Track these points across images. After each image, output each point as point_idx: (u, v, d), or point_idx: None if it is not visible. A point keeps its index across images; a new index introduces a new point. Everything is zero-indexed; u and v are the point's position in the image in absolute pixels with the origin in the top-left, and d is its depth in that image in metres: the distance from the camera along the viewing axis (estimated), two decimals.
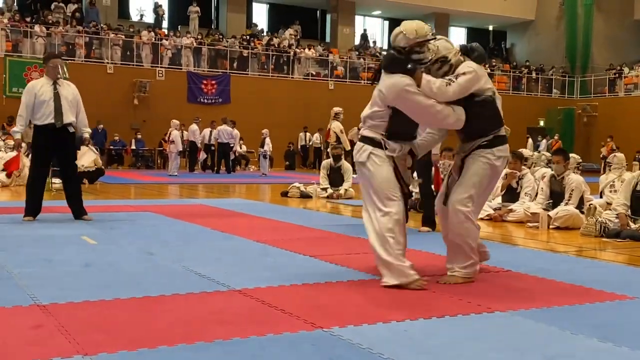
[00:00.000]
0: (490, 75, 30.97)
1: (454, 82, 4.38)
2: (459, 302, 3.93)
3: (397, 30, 4.48)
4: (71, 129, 7.42)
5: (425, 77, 4.36)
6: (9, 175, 12.76)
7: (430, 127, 4.78)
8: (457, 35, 35.25)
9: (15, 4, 24.60)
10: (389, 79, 4.40)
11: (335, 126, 13.45)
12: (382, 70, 4.51)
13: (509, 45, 35.83)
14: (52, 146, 7.33)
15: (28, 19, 23.19)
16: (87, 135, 7.87)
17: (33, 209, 7.39)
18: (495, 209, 8.72)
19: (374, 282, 4.44)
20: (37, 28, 22.39)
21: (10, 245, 5.62)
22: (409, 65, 4.38)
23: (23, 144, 8.15)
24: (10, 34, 22.28)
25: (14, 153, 12.67)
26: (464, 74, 4.43)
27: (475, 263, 4.59)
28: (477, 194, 4.54)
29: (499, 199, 9.02)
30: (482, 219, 8.51)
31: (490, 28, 35.70)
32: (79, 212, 7.57)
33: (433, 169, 7.45)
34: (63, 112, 7.29)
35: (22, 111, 7.30)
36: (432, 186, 7.45)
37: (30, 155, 7.56)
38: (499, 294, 4.20)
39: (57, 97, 7.30)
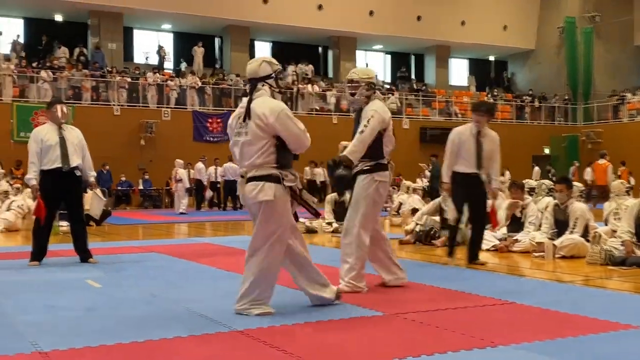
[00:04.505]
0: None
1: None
2: (462, 337, 3.90)
3: (257, 61, 4.68)
4: (78, 173, 7.49)
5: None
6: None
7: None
8: (459, 67, 35.49)
9: (22, 50, 24.97)
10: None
11: None
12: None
13: (510, 75, 35.99)
14: (59, 190, 7.38)
15: (34, 64, 23.52)
16: (92, 180, 7.91)
17: (38, 253, 7.42)
18: (500, 240, 8.69)
19: (378, 319, 4.43)
20: (43, 73, 22.69)
21: (13, 292, 5.63)
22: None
23: None
24: (17, 79, 22.57)
25: (30, 201, 12.67)
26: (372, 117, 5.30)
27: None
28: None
29: (504, 230, 8.99)
30: (488, 250, 8.50)
31: (492, 58, 35.93)
32: (84, 255, 7.59)
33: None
34: (69, 156, 7.37)
35: (33, 158, 7.36)
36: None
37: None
38: (503, 327, 4.17)
39: (62, 141, 7.38)
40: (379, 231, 5.80)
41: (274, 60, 4.73)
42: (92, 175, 7.82)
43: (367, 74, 5.63)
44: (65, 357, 3.54)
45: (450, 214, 7.63)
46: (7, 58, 23.84)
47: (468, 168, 7.16)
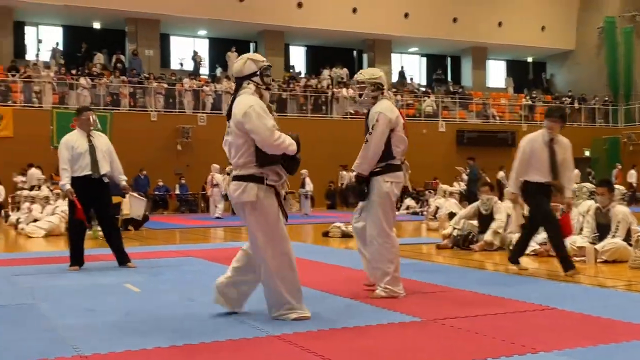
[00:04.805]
0: (532, 107, 30.71)
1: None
2: (502, 344, 3.84)
3: (242, 60, 4.69)
4: (106, 180, 7.62)
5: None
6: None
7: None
8: (497, 68, 35.10)
9: (61, 57, 25.46)
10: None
11: None
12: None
13: (549, 76, 35.49)
14: (88, 197, 7.51)
15: (73, 72, 23.96)
16: (124, 183, 8.01)
17: (77, 258, 7.53)
18: (540, 244, 8.54)
19: (415, 325, 4.38)
20: (82, 80, 23.10)
21: (54, 296, 5.72)
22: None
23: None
24: (57, 86, 23.02)
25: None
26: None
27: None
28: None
29: (544, 234, 8.83)
30: (527, 254, 8.37)
31: (530, 60, 35.47)
32: (122, 259, 7.69)
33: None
34: (99, 163, 7.51)
35: (65, 164, 7.49)
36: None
37: (68, 206, 7.77)
38: (544, 333, 4.09)
39: (92, 149, 7.51)
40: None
41: (259, 58, 4.73)
42: (122, 179, 7.92)
43: (373, 74, 5.63)
44: None
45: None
46: (47, 66, 24.35)
47: (542, 177, 6.83)
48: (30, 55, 26.15)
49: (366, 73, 5.67)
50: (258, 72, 4.63)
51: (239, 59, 4.73)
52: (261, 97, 4.62)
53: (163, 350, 3.78)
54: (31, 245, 11.20)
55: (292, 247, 4.57)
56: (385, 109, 5.44)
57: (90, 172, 7.43)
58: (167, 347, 3.83)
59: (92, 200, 7.55)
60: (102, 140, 7.72)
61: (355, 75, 5.77)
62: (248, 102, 4.49)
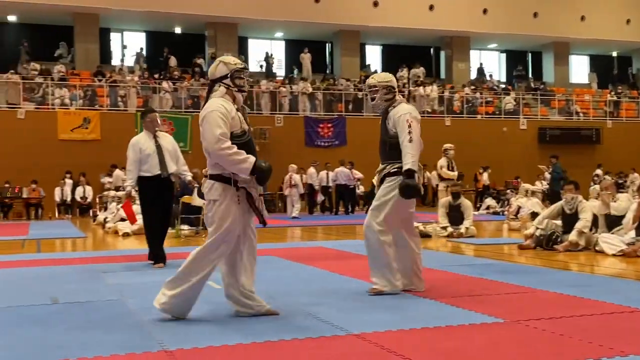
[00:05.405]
0: (617, 103, 29.57)
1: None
2: (588, 346, 3.71)
3: (215, 63, 4.79)
4: (173, 179, 7.94)
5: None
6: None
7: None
8: (579, 64, 33.96)
9: (144, 62, 26.30)
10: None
11: (439, 162, 13.32)
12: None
13: (635, 71, 34.05)
14: (156, 196, 7.77)
15: (156, 75, 24.72)
16: (189, 178, 8.36)
17: (159, 256, 7.77)
18: (628, 244, 8.22)
19: (498, 326, 4.29)
20: (164, 84, 23.80)
21: (140, 292, 5.90)
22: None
23: (134, 193, 8.77)
24: (141, 90, 23.80)
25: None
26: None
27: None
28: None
29: (632, 233, 8.50)
30: (614, 255, 8.07)
31: (614, 54, 34.16)
32: (158, 255, 7.89)
33: None
34: (167, 163, 7.78)
35: (131, 166, 7.82)
36: None
37: (140, 206, 8.11)
38: (632, 336, 3.93)
39: (159, 149, 7.77)
40: (411, 239, 5.74)
41: (231, 60, 4.77)
42: (188, 175, 8.27)
43: (384, 78, 5.77)
44: (190, 356, 3.67)
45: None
46: (131, 70, 25.23)
47: None
48: (115, 61, 27.15)
49: (378, 77, 5.83)
50: (229, 75, 4.70)
51: (214, 62, 4.85)
52: (234, 99, 4.73)
53: (245, 346, 3.84)
54: (119, 244, 11.61)
55: (225, 255, 4.64)
56: (411, 109, 5.62)
57: (159, 172, 7.71)
58: (249, 343, 3.89)
59: (158, 199, 7.80)
60: (167, 140, 7.99)
61: (367, 80, 5.91)
62: (210, 107, 4.60)
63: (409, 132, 5.43)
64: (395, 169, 5.52)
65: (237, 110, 4.71)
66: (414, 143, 5.43)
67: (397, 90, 5.74)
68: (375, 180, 5.89)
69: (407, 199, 5.48)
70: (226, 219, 4.54)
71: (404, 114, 5.51)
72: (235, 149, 4.51)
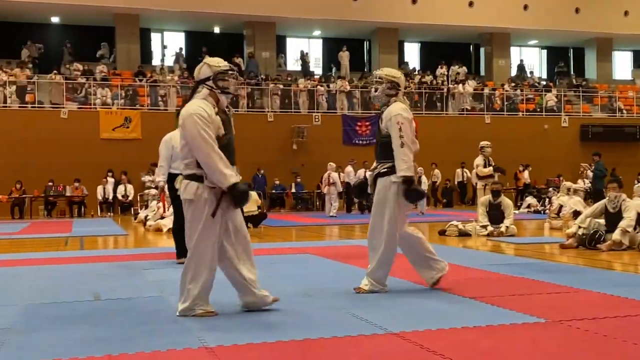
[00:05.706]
0: None
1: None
2: (634, 348, 3.63)
3: (200, 64, 4.85)
4: None
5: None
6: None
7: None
8: (623, 60, 33.24)
9: (184, 61, 26.58)
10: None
11: (475, 161, 13.16)
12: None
13: None
14: None
15: None
16: None
17: (182, 252, 7.86)
18: None
19: (540, 326, 4.22)
20: None
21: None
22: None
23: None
24: (181, 89, 24.06)
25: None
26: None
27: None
28: None
29: None
30: None
31: None
32: (181, 251, 7.92)
33: None
34: None
35: (163, 162, 7.98)
36: None
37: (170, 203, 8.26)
38: None
39: None
40: (410, 232, 5.72)
41: (216, 62, 4.81)
42: None
43: (392, 74, 5.72)
44: (230, 352, 3.69)
45: None
46: (171, 70, 25.53)
47: None
48: (155, 61, 27.50)
49: (386, 70, 5.77)
50: (211, 77, 4.75)
51: (201, 63, 4.89)
52: (217, 101, 4.78)
53: (284, 343, 3.85)
54: (159, 241, 11.77)
55: (215, 248, 4.63)
56: (402, 110, 5.52)
57: None
58: (288, 340, 3.90)
59: None
60: None
61: (375, 71, 5.86)
62: (190, 108, 4.66)
63: (400, 137, 5.39)
64: (386, 169, 5.53)
65: (223, 111, 4.80)
66: (406, 147, 5.39)
67: (401, 89, 5.67)
68: (368, 177, 5.86)
69: (412, 202, 5.55)
70: (200, 218, 4.61)
71: (394, 115, 5.45)
72: (222, 158, 4.58)
